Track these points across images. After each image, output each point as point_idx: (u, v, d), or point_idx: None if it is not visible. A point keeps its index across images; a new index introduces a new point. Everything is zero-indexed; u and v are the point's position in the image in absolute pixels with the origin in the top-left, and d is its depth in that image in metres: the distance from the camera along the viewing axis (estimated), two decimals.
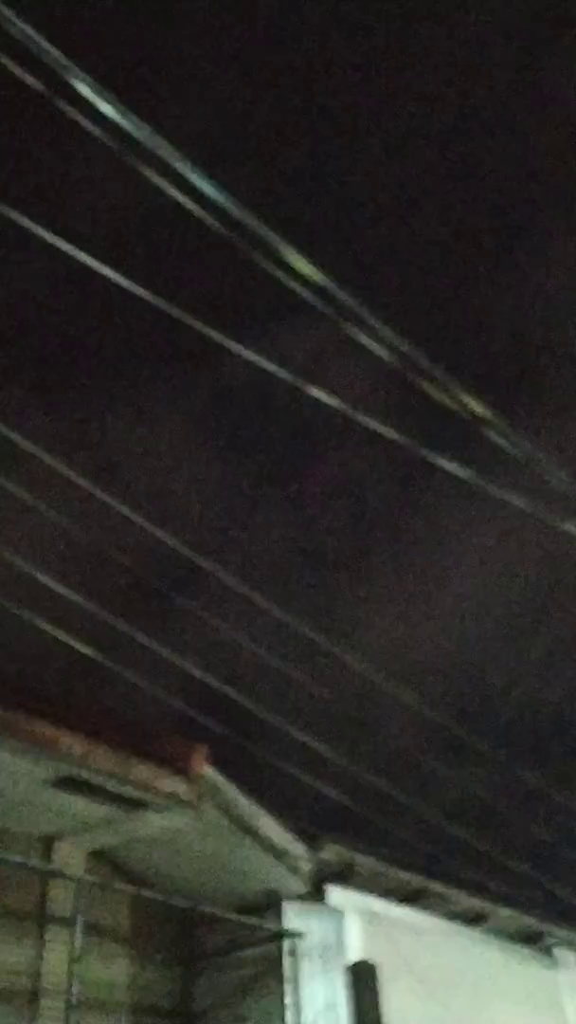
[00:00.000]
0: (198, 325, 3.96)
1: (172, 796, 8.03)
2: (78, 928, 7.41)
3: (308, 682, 8.42)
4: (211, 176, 3.46)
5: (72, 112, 3.20)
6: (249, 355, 4.02)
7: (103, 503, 6.05)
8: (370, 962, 8.46)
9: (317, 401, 4.36)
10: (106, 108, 3.16)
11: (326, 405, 4.12)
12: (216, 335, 3.97)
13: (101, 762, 7.65)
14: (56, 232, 3.83)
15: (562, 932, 12.66)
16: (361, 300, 3.80)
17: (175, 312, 3.94)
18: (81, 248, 3.95)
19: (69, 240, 3.90)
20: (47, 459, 6.04)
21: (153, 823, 8.44)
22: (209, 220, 3.64)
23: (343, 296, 3.76)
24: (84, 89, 3.05)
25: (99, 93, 3.08)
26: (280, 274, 3.69)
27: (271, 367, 4.02)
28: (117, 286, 3.95)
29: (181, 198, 3.62)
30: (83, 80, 3.03)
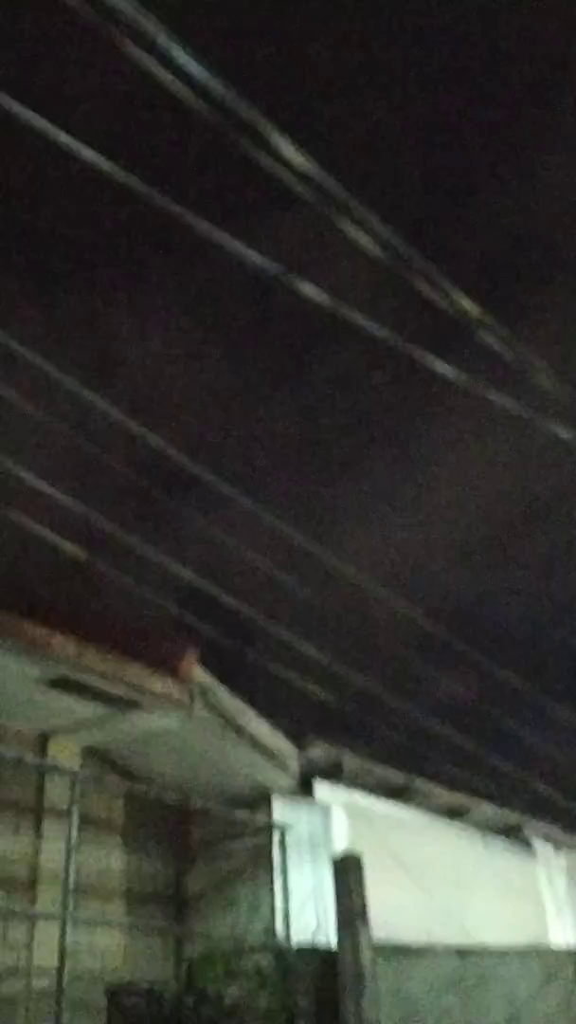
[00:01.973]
0: (186, 215, 3.86)
1: (163, 696, 8.21)
2: (74, 819, 7.65)
3: (299, 586, 8.52)
4: (198, 56, 3.32)
5: None
6: (236, 247, 3.93)
7: (96, 403, 5.97)
8: (355, 853, 8.78)
9: (338, 301, 4.27)
10: None
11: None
12: (203, 226, 3.86)
13: (93, 663, 7.79)
14: (37, 110, 3.69)
15: (540, 824, 13.16)
16: (353, 192, 3.70)
17: (162, 201, 3.83)
18: (67, 132, 3.81)
19: (54, 123, 3.75)
20: (38, 360, 5.95)
21: (145, 722, 8.64)
22: (196, 102, 3.51)
23: (334, 187, 3.66)
24: None
25: None
26: (270, 162, 3.59)
27: (259, 260, 3.93)
28: (104, 175, 3.83)
29: (169, 79, 3.48)
30: None
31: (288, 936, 8.73)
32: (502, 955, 8.49)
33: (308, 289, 4.08)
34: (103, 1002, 7.96)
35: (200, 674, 8.51)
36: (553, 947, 11.26)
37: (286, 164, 3.61)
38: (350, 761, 10.44)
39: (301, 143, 3.53)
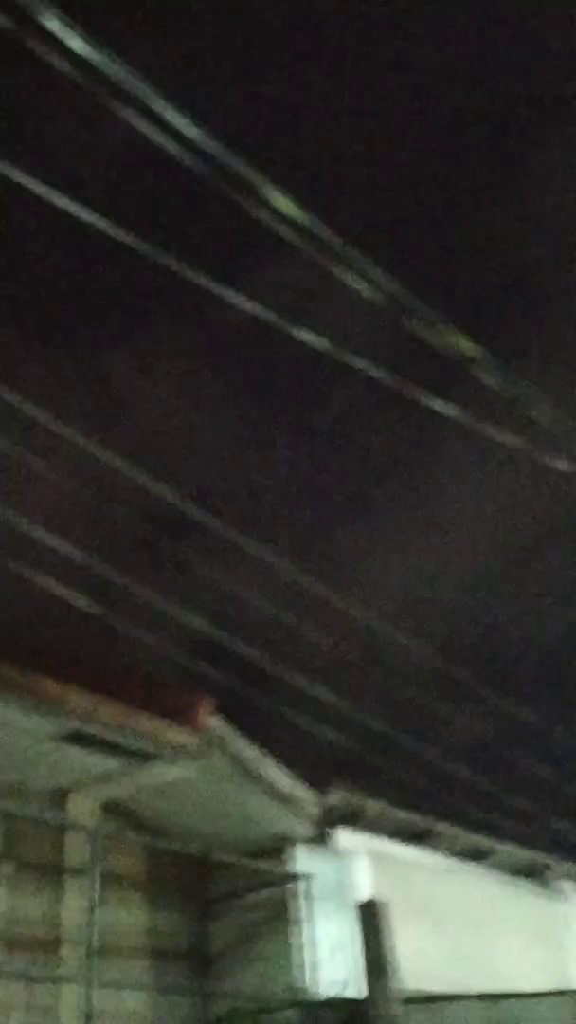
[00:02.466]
0: (182, 269, 3.95)
1: (180, 747, 8.17)
2: (95, 877, 7.58)
3: (310, 630, 8.52)
4: (189, 114, 3.43)
5: (42, 50, 3.15)
6: (234, 298, 4.01)
7: (101, 455, 6.04)
8: (379, 900, 8.65)
9: (336, 347, 4.34)
10: (79, 44, 3.11)
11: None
12: (201, 278, 3.95)
13: (108, 716, 7.77)
14: (38, 177, 3.80)
15: (563, 865, 12.94)
16: (347, 239, 3.79)
17: (159, 256, 3.93)
18: (62, 191, 3.92)
19: (51, 185, 3.87)
20: (45, 416, 6.04)
21: (162, 774, 8.59)
22: (189, 159, 3.61)
23: (327, 235, 3.76)
24: (54, 25, 2.98)
25: (69, 29, 3.02)
26: (263, 214, 3.68)
27: (257, 309, 4.01)
28: (102, 233, 3.94)
29: (161, 138, 3.59)
30: (53, 15, 2.96)
31: (315, 989, 8.57)
32: (532, 999, 8.29)
33: (306, 335, 4.16)
34: None
35: (216, 723, 8.47)
36: None
37: (280, 215, 3.71)
38: (370, 806, 10.32)
39: (293, 194, 3.63)
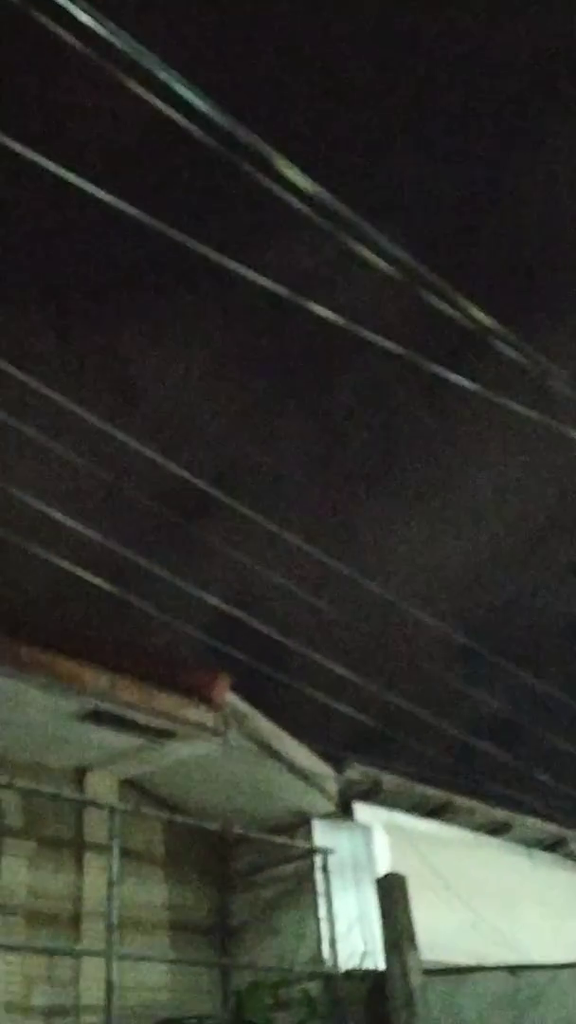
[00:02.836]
0: (195, 245, 3.90)
1: (198, 725, 8.20)
2: (114, 853, 7.64)
3: (328, 606, 8.49)
4: (199, 88, 3.36)
5: (51, 25, 3.10)
6: (248, 273, 3.95)
7: (117, 434, 6.00)
8: (399, 873, 8.68)
9: (338, 312, 4.29)
10: (85, 18, 3.05)
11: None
12: (215, 254, 3.90)
13: (126, 695, 7.80)
14: (49, 154, 3.75)
15: None
16: (360, 211, 3.73)
17: (172, 233, 3.88)
18: (73, 169, 3.87)
19: (62, 162, 3.82)
20: (61, 397, 5.99)
21: (181, 751, 8.63)
22: (198, 133, 3.55)
23: (340, 207, 3.69)
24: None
25: (76, 1, 2.96)
26: (275, 187, 3.62)
27: (270, 284, 3.96)
28: (114, 210, 3.88)
29: (169, 111, 3.53)
30: None
31: (335, 962, 8.64)
32: (554, 971, 8.32)
33: (320, 309, 4.11)
34: None
35: (234, 701, 8.49)
36: None
37: (293, 188, 3.65)
38: (389, 781, 10.34)
39: (306, 166, 3.57)
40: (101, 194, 4.14)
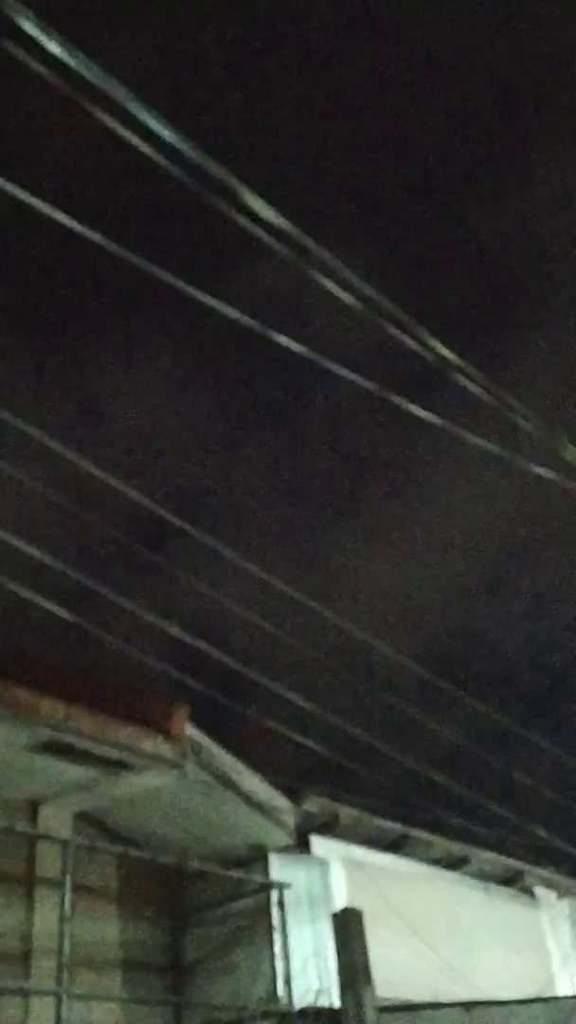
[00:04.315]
0: (162, 273, 3.90)
1: (155, 756, 8.09)
2: (67, 889, 7.48)
3: (289, 637, 8.46)
4: (166, 119, 3.38)
5: (20, 54, 3.10)
6: (213, 303, 3.97)
7: (79, 459, 5.96)
8: (355, 909, 8.60)
9: (303, 342, 4.32)
10: (55, 48, 3.06)
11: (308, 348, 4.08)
12: (178, 283, 3.90)
13: (82, 725, 7.68)
14: (15, 179, 3.75)
15: (542, 872, 12.96)
16: (325, 244, 3.76)
17: (137, 261, 3.88)
18: (40, 195, 3.87)
19: (29, 188, 3.81)
20: (17, 421, 5.94)
21: (137, 783, 8.50)
22: (164, 163, 3.57)
23: (305, 240, 3.72)
24: (29, 27, 2.93)
25: (45, 31, 2.97)
26: (241, 218, 3.65)
27: (235, 314, 3.97)
28: (80, 236, 3.88)
29: (138, 142, 3.55)
30: (27, 17, 2.91)
31: (290, 999, 8.51)
32: (509, 1007, 8.29)
33: (285, 340, 4.12)
34: None
35: (192, 732, 8.40)
36: (560, 996, 11.01)
37: (258, 220, 3.67)
38: (346, 814, 10.29)
39: (271, 198, 3.60)
40: (66, 219, 4.14)
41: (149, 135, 3.70)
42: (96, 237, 4.10)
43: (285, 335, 4.14)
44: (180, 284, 3.95)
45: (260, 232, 3.71)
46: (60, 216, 4.10)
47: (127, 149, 3.79)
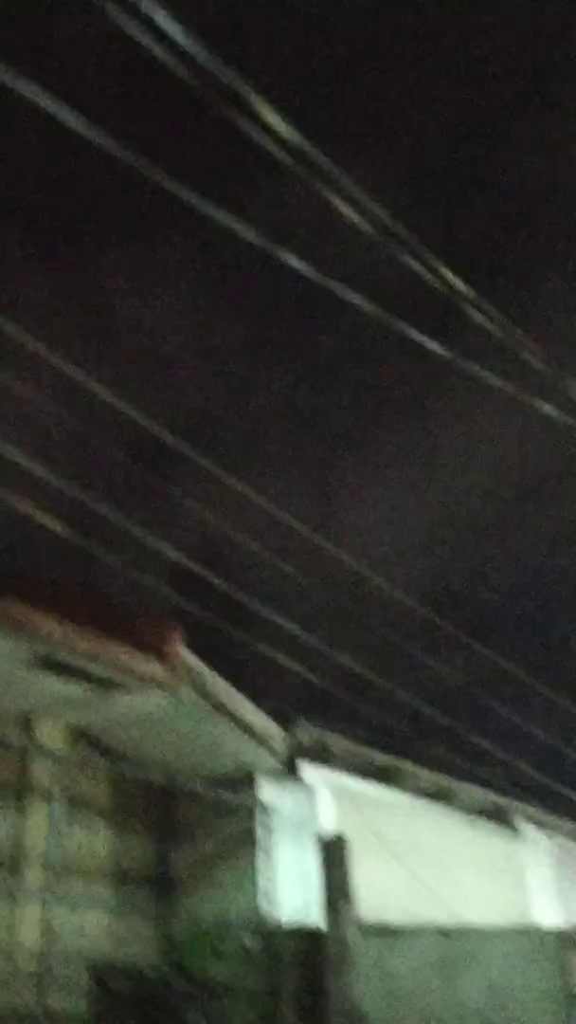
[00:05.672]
0: (173, 185, 3.77)
1: (149, 678, 8.17)
2: (58, 800, 7.64)
3: (291, 567, 8.46)
4: (183, 22, 3.23)
5: None
6: (223, 217, 3.84)
7: (87, 378, 5.86)
8: (340, 834, 8.79)
9: (313, 265, 4.20)
10: None
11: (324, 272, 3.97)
12: (191, 196, 3.78)
13: (78, 644, 7.74)
14: (32, 82, 3.59)
15: (525, 807, 13.22)
16: (341, 164, 3.63)
17: (148, 170, 3.74)
18: (57, 100, 3.71)
19: (47, 91, 3.66)
20: (27, 338, 5.83)
21: (130, 703, 8.61)
22: (179, 69, 3.42)
23: (320, 158, 3.59)
24: None
25: None
26: (256, 131, 3.51)
27: (244, 231, 3.85)
28: (91, 142, 3.74)
29: (152, 45, 3.39)
30: None
31: (274, 916, 8.75)
32: (486, 934, 8.51)
33: (295, 261, 4.01)
34: (88, 982, 7.97)
35: (186, 655, 8.47)
36: (535, 926, 11.33)
37: (272, 133, 3.54)
38: (336, 743, 10.44)
39: (287, 112, 3.46)
40: (80, 127, 3.99)
41: (165, 40, 3.54)
42: (110, 144, 3.96)
43: (295, 256, 4.03)
44: (193, 198, 3.82)
45: (274, 147, 3.58)
46: (73, 120, 3.95)
47: (142, 53, 3.63)
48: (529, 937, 8.58)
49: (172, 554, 8.39)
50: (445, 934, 8.46)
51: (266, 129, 3.53)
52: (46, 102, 3.89)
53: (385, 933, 8.47)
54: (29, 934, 7.71)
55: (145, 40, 3.50)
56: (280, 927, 8.64)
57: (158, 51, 3.47)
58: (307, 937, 8.34)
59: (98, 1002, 7.95)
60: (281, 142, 3.57)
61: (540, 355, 4.91)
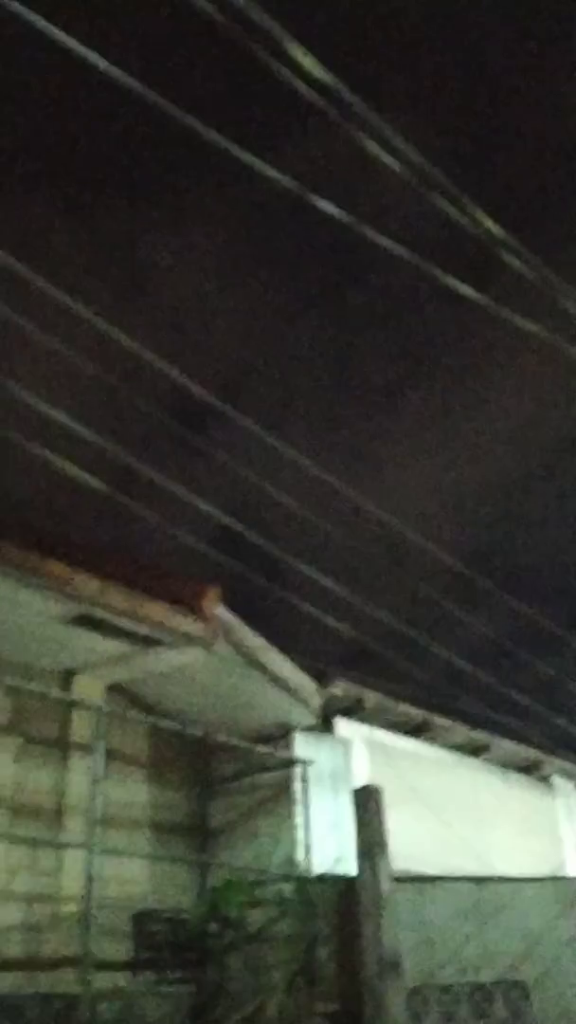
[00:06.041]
0: (202, 129, 3.76)
1: (185, 634, 8.28)
2: (99, 753, 7.81)
3: (327, 524, 8.48)
4: None
5: None
6: (255, 162, 3.82)
7: (123, 335, 5.85)
8: (375, 785, 8.90)
9: (347, 210, 4.16)
10: None
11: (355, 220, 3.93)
12: (224, 141, 3.75)
13: (115, 601, 7.86)
14: (60, 27, 3.58)
15: (560, 762, 13.27)
16: (373, 105, 3.59)
17: (183, 118, 3.73)
18: (87, 44, 3.69)
19: (72, 35, 3.65)
20: (60, 294, 5.83)
21: (168, 659, 8.74)
22: (214, 12, 3.39)
23: (354, 100, 3.55)
24: None
25: None
26: (288, 74, 3.48)
27: (277, 175, 3.83)
28: (121, 88, 3.72)
29: None
30: None
31: (309, 866, 8.91)
32: (518, 884, 8.62)
33: (329, 206, 3.98)
34: (129, 927, 8.19)
35: (222, 612, 8.56)
36: (568, 877, 11.43)
37: (305, 76, 3.50)
38: (371, 698, 10.53)
39: (319, 53, 3.42)
40: (111, 72, 3.97)
41: None
42: (141, 89, 3.92)
43: (333, 202, 4.00)
44: (224, 142, 3.80)
45: (307, 90, 3.54)
46: (104, 64, 3.91)
47: None
48: (560, 886, 8.68)
49: (209, 511, 8.44)
50: (477, 883, 8.57)
51: (299, 72, 3.50)
52: (75, 46, 3.88)
53: (419, 882, 8.60)
54: (73, 883, 7.93)
55: None
56: (315, 876, 8.79)
57: None
58: (342, 886, 8.49)
59: (140, 947, 8.18)
60: (314, 84, 3.54)
61: None
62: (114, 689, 9.34)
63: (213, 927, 8.20)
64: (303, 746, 9.85)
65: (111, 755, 8.41)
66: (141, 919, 8.29)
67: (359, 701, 10.41)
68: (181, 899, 9.09)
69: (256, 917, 8.43)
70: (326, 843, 9.36)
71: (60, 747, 8.77)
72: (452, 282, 4.40)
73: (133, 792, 9.45)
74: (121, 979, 7.83)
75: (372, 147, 3.76)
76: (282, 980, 8.06)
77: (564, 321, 4.74)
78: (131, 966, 8.02)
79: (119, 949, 7.95)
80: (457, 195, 4.00)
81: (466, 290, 4.45)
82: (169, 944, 8.24)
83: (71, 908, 7.91)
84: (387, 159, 3.81)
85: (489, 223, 4.16)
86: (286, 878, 8.85)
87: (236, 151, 3.77)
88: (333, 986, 8.11)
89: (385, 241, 4.13)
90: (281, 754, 9.67)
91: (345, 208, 3.99)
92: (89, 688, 9.05)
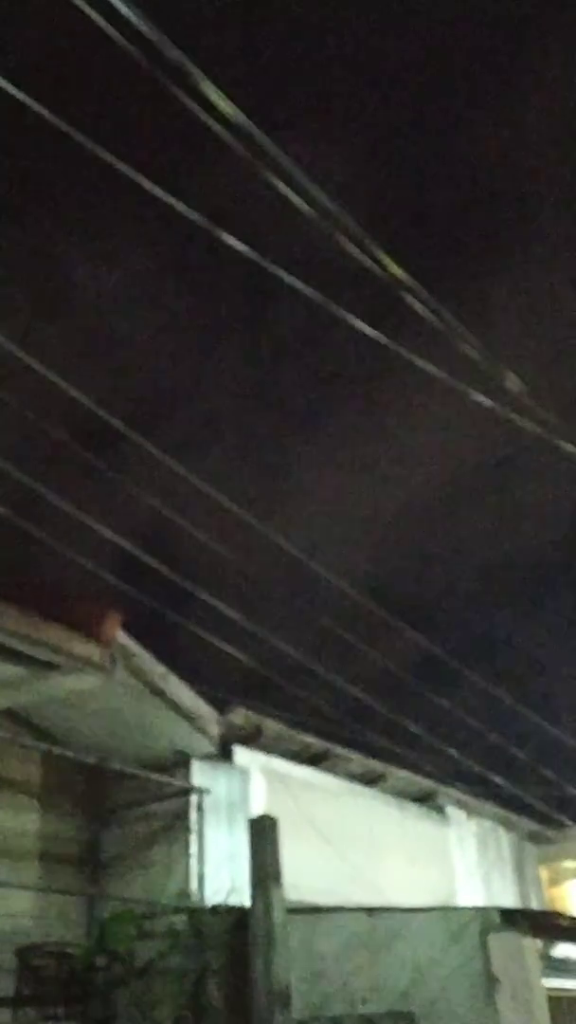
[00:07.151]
0: (111, 159, 3.76)
1: (83, 659, 8.14)
2: None
3: (231, 553, 8.50)
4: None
5: None
6: (160, 194, 3.85)
7: (28, 357, 5.79)
8: (271, 815, 8.87)
9: (263, 257, 4.21)
10: None
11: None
12: (127, 170, 3.76)
13: (12, 624, 7.68)
14: None
15: (453, 792, 13.50)
16: (283, 146, 3.66)
17: (97, 150, 3.73)
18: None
19: None
20: None
21: (65, 684, 8.56)
22: (125, 44, 3.42)
23: (264, 140, 3.61)
24: None
25: None
26: (197, 108, 3.52)
27: (183, 210, 3.86)
28: (34, 113, 3.71)
29: (102, 23, 3.38)
30: None
31: (202, 897, 8.81)
32: (410, 913, 8.69)
33: (235, 242, 4.03)
34: (13, 963, 7.94)
35: (122, 637, 8.46)
36: (456, 906, 11.59)
37: (217, 113, 3.55)
38: (270, 727, 10.53)
39: (230, 90, 3.47)
40: (25, 99, 3.96)
41: (112, 15, 3.53)
42: (54, 119, 3.93)
43: (245, 233, 4.05)
44: (133, 173, 3.81)
45: (217, 127, 3.60)
46: (17, 94, 3.92)
47: (89, 28, 3.62)
48: (451, 917, 8.77)
49: (112, 538, 8.37)
50: (369, 913, 8.61)
51: (211, 110, 3.54)
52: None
53: (312, 912, 8.59)
54: None
55: (93, 15, 3.49)
56: (208, 906, 8.69)
57: (105, 26, 3.45)
58: (234, 917, 8.40)
59: (23, 983, 7.93)
60: (224, 121, 3.59)
61: (477, 346, 5.01)
62: (6, 714, 9.10)
63: (100, 961, 8.01)
64: (200, 774, 9.76)
65: (0, 782, 8.18)
66: (25, 953, 8.04)
67: (258, 729, 10.40)
68: (69, 932, 8.87)
69: (146, 950, 8.28)
70: (221, 873, 9.27)
71: None
72: (356, 322, 4.50)
73: (23, 821, 9.19)
74: (3, 1016, 7.58)
75: (282, 187, 3.83)
76: (170, 1015, 7.91)
77: (464, 363, 4.90)
78: (14, 1002, 7.77)
79: (3, 986, 7.70)
80: (363, 237, 4.10)
81: (369, 331, 4.56)
82: (54, 979, 8.01)
83: None
84: (295, 199, 3.89)
85: (394, 267, 4.28)
86: (178, 910, 8.71)
87: (147, 185, 3.79)
88: (222, 1020, 8.00)
89: (291, 279, 4.20)
90: (178, 782, 9.56)
91: (254, 244, 4.04)
92: None
